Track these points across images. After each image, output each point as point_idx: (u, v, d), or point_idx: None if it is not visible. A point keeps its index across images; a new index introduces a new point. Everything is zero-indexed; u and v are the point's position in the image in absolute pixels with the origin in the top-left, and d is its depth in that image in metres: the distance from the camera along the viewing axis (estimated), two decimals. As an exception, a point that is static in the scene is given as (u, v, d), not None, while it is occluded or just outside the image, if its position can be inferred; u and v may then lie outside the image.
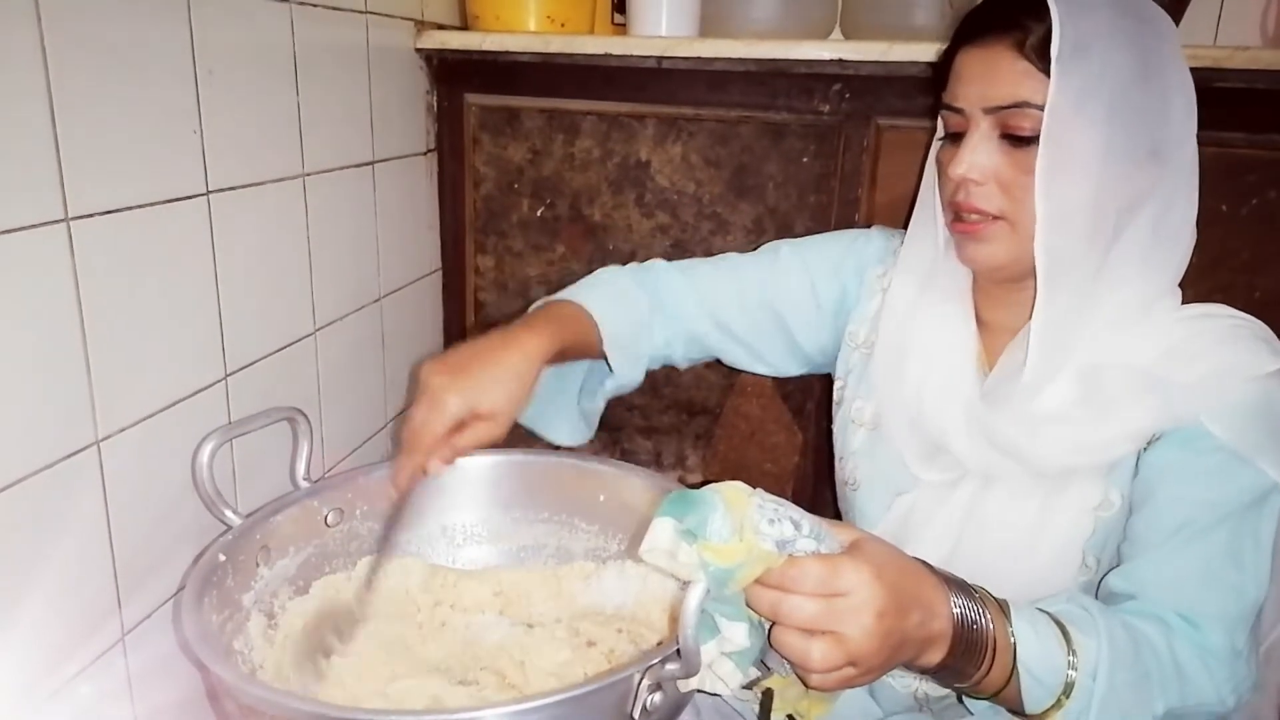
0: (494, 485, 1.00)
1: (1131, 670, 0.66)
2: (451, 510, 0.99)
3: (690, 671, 0.61)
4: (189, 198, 0.82)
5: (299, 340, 1.01)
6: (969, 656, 0.65)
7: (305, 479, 0.90)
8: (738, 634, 0.61)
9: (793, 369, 1.05)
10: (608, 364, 0.95)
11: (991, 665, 0.65)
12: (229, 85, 0.85)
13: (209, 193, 0.84)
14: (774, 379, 1.28)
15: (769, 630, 0.61)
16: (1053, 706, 0.66)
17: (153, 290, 0.79)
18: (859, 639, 0.58)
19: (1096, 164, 0.73)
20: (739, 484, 0.60)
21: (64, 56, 0.67)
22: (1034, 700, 0.66)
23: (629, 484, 0.95)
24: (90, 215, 0.71)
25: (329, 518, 0.91)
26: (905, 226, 0.92)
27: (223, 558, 0.79)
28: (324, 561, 0.92)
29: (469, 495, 0.99)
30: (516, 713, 0.61)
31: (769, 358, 1.04)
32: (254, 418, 0.86)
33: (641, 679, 0.64)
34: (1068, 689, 0.66)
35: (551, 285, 1.36)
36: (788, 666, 0.62)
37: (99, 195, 0.72)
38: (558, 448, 1.00)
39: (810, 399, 1.29)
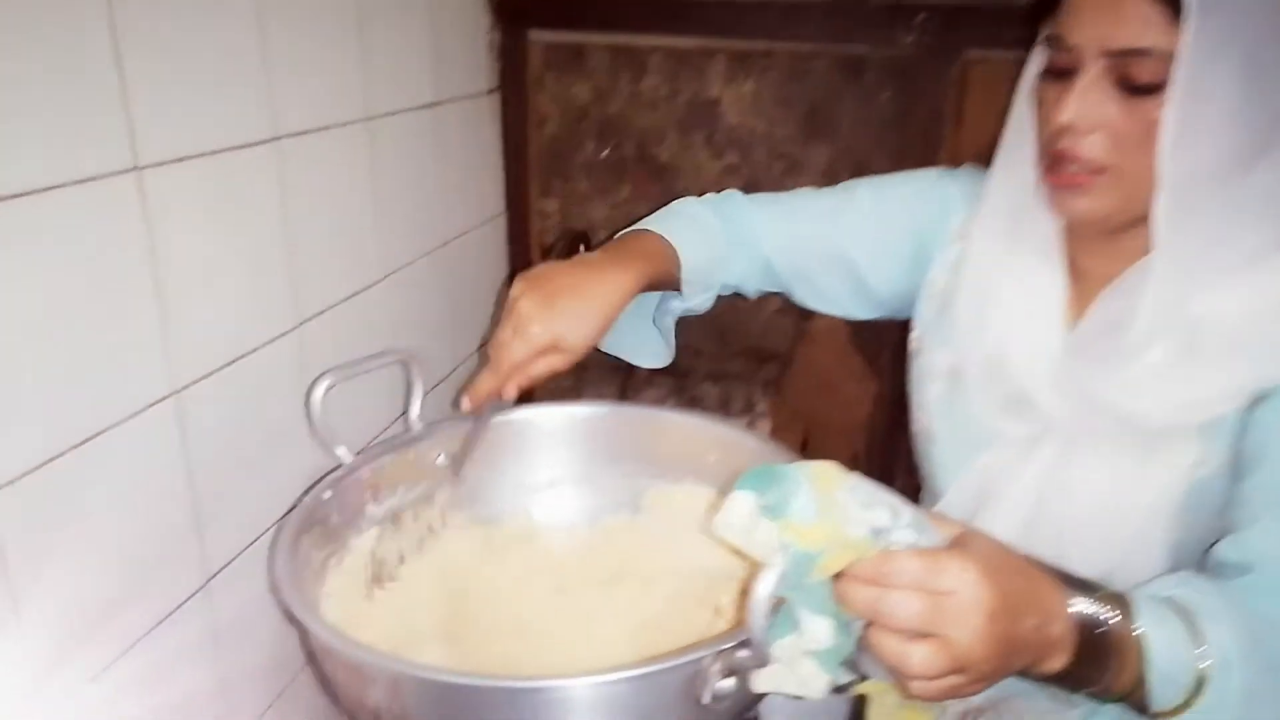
0: (606, 436, 0.98)
1: (1262, 657, 0.61)
2: (546, 466, 0.99)
3: (760, 662, 0.57)
4: (257, 144, 0.80)
5: (367, 288, 1.00)
6: (1095, 661, 0.59)
7: (420, 420, 0.90)
8: (820, 630, 0.55)
9: (862, 313, 1.02)
10: (678, 290, 0.94)
11: (1121, 669, 0.59)
12: (292, 28, 0.83)
13: (277, 138, 0.82)
14: (848, 326, 1.25)
15: (863, 630, 0.55)
16: (1181, 705, 0.60)
17: (224, 239, 0.78)
18: (967, 643, 0.52)
19: (1228, 122, 0.68)
20: (831, 464, 0.55)
21: (129, 4, 0.65)
22: (1163, 699, 0.61)
23: (743, 447, 0.90)
24: (161, 164, 0.70)
25: (440, 460, 0.92)
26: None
27: (328, 494, 0.80)
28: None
29: (569, 447, 0.99)
30: (573, 687, 0.60)
31: (837, 300, 1.00)
32: (367, 360, 0.87)
33: (714, 663, 0.59)
34: (1199, 684, 0.60)
35: (617, 228, 1.31)
36: (884, 671, 0.55)
37: (168, 143, 0.70)
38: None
39: (886, 348, 1.24)
